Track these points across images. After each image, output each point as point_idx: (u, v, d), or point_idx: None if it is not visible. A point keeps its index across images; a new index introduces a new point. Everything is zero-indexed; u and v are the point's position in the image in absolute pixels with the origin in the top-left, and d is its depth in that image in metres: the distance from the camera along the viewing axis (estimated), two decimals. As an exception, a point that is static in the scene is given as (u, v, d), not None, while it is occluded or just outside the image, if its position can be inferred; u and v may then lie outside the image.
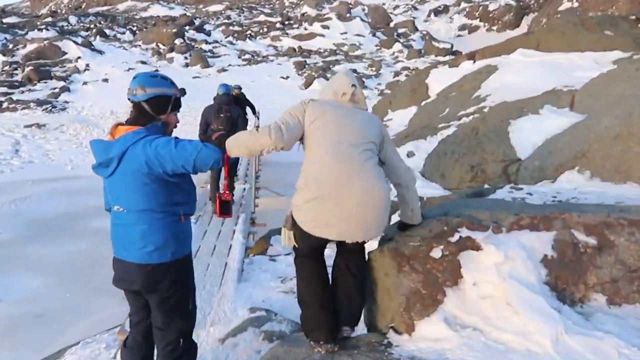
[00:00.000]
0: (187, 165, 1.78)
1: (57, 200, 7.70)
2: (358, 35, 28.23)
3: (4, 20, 31.13)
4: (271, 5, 44.24)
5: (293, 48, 25.49)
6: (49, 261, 5.32)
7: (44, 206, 7.24)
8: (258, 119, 9.88)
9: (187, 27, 27.97)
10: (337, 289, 2.01)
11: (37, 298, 4.61)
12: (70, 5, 62.74)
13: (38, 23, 29.64)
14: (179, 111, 2.06)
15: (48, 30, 27.02)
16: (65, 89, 17.82)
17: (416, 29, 32.89)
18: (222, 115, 5.21)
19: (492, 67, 5.99)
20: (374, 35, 28.93)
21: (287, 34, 28.61)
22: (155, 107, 1.95)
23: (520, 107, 4.07)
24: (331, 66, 21.49)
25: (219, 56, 23.61)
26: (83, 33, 27.71)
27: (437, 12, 47.99)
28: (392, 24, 34.25)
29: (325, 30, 28.63)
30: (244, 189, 7.17)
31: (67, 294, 4.63)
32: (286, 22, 31.56)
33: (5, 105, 15.97)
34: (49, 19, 33.50)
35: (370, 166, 1.81)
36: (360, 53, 25.02)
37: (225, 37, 27.84)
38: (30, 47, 22.59)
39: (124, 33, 29.20)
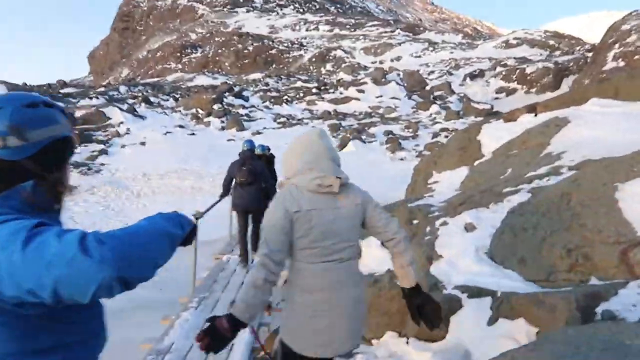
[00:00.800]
0: (41, 290, 0.80)
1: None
2: (394, 98, 28.07)
3: (62, 91, 33.63)
4: (308, 74, 45.91)
5: (328, 111, 25.50)
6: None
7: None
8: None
9: (226, 94, 28.91)
10: None
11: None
12: (126, 78, 68.38)
13: (91, 93, 31.72)
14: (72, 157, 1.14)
15: (98, 98, 28.70)
16: (103, 152, 18.13)
17: (453, 92, 32.55)
18: (244, 168, 5.43)
19: (561, 119, 4.94)
20: (409, 98, 28.70)
21: (322, 98, 28.93)
22: (46, 163, 1.03)
23: (628, 165, 2.94)
24: (366, 128, 21.02)
25: (254, 120, 23.85)
26: (130, 101, 29.23)
27: (472, 76, 48.04)
28: (427, 87, 34.19)
29: (361, 94, 28.72)
30: (254, 260, 6.14)
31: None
32: (322, 88, 32.14)
33: (44, 167, 16.24)
34: (102, 89, 35.96)
35: (354, 278, 1.84)
36: (396, 115, 24.61)
37: (262, 102, 28.45)
38: (78, 113, 23.75)
39: (167, 100, 30.55)
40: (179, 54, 73.45)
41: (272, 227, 1.75)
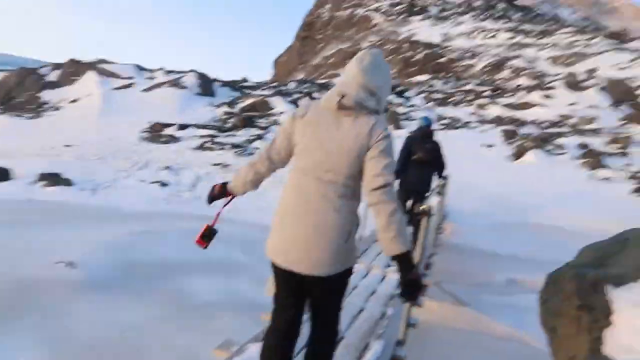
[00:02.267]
0: None
1: (171, 243, 6.18)
2: (592, 107, 22.50)
3: (242, 84, 37.14)
4: (482, 78, 41.43)
5: (500, 117, 21.74)
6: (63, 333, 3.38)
7: (146, 246, 5.72)
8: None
9: (387, 92, 27.55)
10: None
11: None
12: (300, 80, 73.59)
13: (264, 86, 34.14)
14: None
15: (268, 90, 30.51)
16: (260, 137, 18.51)
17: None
18: (427, 145, 5.07)
19: None
20: (615, 108, 22.65)
21: (496, 102, 25.02)
22: None
23: None
24: (553, 138, 16.87)
25: (414, 120, 21.74)
26: (296, 96, 30.30)
27: None
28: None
29: (547, 100, 23.82)
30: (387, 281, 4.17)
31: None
32: (497, 92, 28.02)
33: (207, 145, 17.25)
34: (274, 84, 38.60)
35: (329, 203, 1.70)
36: (596, 127, 19.42)
37: (425, 103, 26.09)
38: (248, 101, 25.35)
39: (329, 96, 30.75)
40: (349, 60, 75.73)
41: (280, 127, 1.87)
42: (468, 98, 27.10)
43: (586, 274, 1.62)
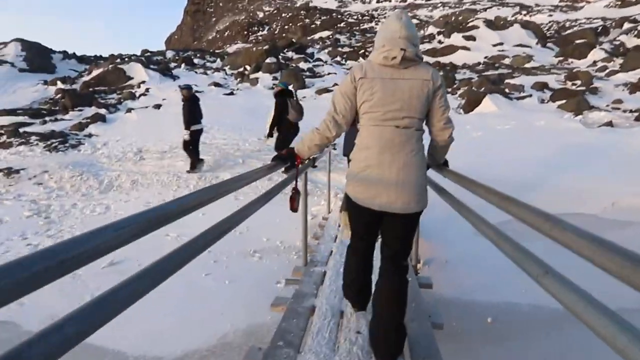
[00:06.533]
0: None
1: None
2: (520, 45, 19.41)
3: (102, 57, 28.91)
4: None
5: (427, 62, 17.84)
6: None
7: None
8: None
9: (285, 49, 22.12)
10: (378, 294, 2.03)
11: None
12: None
13: (124, 56, 26.59)
14: None
15: (132, 59, 23.32)
16: (98, 118, 12.20)
17: (598, 41, 23.03)
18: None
19: None
20: (543, 45, 19.85)
21: (414, 50, 21.11)
22: None
23: None
24: (503, 79, 13.03)
25: (320, 76, 16.78)
26: (172, 65, 23.60)
27: (595, 34, 36.95)
28: (558, 35, 24.82)
29: (470, 42, 20.37)
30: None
31: None
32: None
33: (1, 139, 10.59)
34: (148, 54, 30.93)
35: (410, 146, 1.88)
36: (536, 65, 16.16)
37: (332, 58, 21.22)
38: (96, 72, 18.34)
39: (214, 61, 24.53)
40: (245, 32, 68.96)
41: (339, 91, 1.96)
42: (381, 49, 22.78)
43: None
